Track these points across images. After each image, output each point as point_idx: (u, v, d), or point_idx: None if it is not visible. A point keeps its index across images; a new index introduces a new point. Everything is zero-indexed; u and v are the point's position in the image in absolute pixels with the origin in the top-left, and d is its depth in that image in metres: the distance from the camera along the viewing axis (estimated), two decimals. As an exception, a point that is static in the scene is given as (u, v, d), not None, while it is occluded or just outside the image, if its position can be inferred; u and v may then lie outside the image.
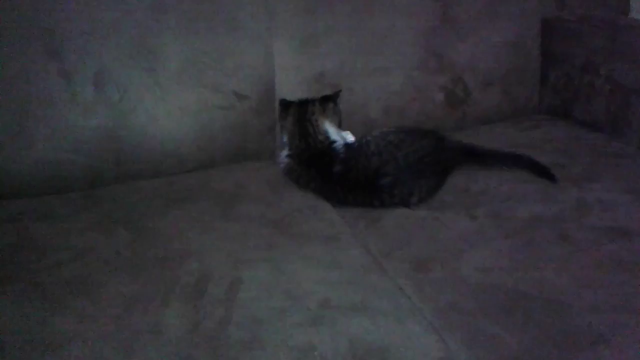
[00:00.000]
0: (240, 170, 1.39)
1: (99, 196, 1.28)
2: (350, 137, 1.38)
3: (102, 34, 1.29)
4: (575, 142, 1.49)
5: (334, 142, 1.32)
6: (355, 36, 1.50)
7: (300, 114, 1.35)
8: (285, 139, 1.37)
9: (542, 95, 1.73)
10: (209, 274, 1.00)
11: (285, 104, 1.38)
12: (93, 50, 1.29)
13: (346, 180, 1.26)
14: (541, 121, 1.67)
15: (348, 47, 1.50)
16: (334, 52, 1.49)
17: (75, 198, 1.27)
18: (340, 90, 1.40)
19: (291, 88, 1.46)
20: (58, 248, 1.07)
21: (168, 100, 1.36)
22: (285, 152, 1.35)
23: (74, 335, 0.87)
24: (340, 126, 1.39)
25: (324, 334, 0.87)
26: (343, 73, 1.50)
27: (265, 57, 1.43)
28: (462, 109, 1.64)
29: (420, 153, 1.27)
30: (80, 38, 1.28)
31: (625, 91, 1.48)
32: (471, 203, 1.22)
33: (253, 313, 0.91)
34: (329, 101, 1.38)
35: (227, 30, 1.38)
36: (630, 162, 1.37)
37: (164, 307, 0.92)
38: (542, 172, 1.29)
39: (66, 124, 1.29)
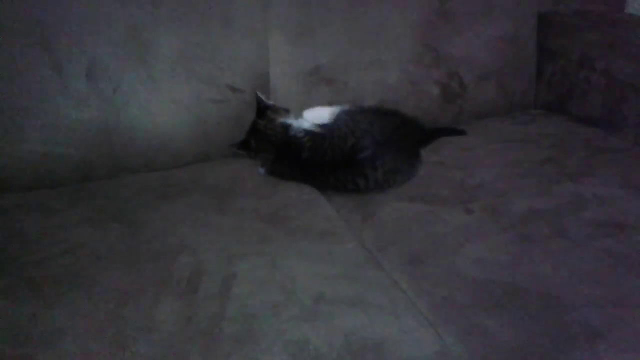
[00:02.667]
0: (235, 164, 1.39)
1: (92, 190, 1.27)
2: (313, 112, 1.37)
3: (94, 26, 1.28)
4: (571, 137, 1.49)
5: (289, 126, 1.32)
6: (351, 29, 1.49)
7: (257, 135, 1.35)
8: (261, 160, 1.35)
9: (538, 90, 1.73)
10: (202, 268, 0.99)
11: (243, 144, 1.37)
12: (86, 43, 1.27)
13: (322, 164, 1.26)
14: (537, 116, 1.66)
15: (343, 41, 1.49)
16: (329, 46, 1.48)
17: (67, 192, 1.26)
18: (256, 93, 1.37)
19: (286, 82, 1.46)
20: (50, 242, 1.06)
21: (162, 93, 1.35)
22: (262, 168, 1.34)
23: (66, 330, 0.86)
24: (289, 112, 1.37)
25: (319, 329, 0.87)
26: (338, 66, 1.50)
27: (260, 51, 1.42)
28: (457, 103, 1.63)
29: (392, 126, 1.30)
30: (72, 30, 1.26)
31: (621, 86, 1.48)
32: (467, 197, 1.22)
33: (247, 308, 0.91)
34: (264, 111, 1.36)
35: (221, 23, 1.37)
36: (626, 157, 1.37)
37: (157, 302, 0.92)
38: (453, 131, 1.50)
39: (58, 117, 1.28)
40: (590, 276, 0.97)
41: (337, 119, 1.32)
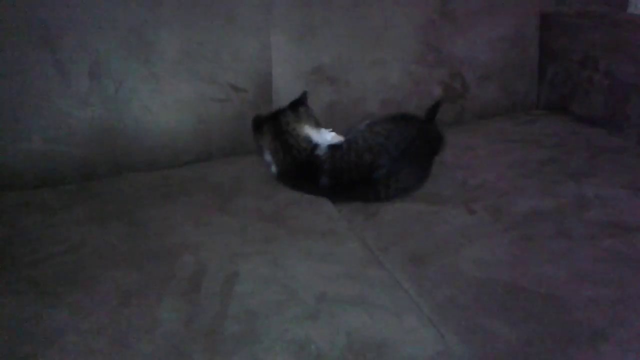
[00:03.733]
0: (237, 163, 1.38)
1: (94, 189, 1.27)
2: (331, 136, 1.33)
3: (97, 25, 1.28)
4: (574, 137, 1.49)
5: (316, 146, 1.27)
6: (353, 29, 1.49)
7: (276, 127, 1.30)
8: (268, 157, 1.31)
9: (541, 90, 1.73)
10: (204, 267, 0.99)
11: (258, 121, 1.33)
12: (88, 42, 1.27)
13: (338, 185, 1.24)
14: (539, 116, 1.66)
15: (345, 40, 1.49)
16: (331, 45, 1.48)
17: (69, 190, 1.26)
18: (305, 92, 1.36)
19: (288, 81, 1.45)
20: (52, 241, 1.06)
21: (164, 92, 1.35)
22: (274, 168, 1.31)
23: (68, 328, 0.86)
24: (319, 125, 1.34)
25: (321, 328, 0.87)
26: (340, 66, 1.49)
27: (262, 50, 1.42)
28: (460, 103, 1.63)
29: (409, 139, 1.25)
30: (75, 29, 1.26)
31: (624, 86, 1.48)
32: (469, 197, 1.21)
33: (249, 307, 0.91)
34: (299, 106, 1.33)
35: (224, 22, 1.37)
36: (628, 157, 1.37)
37: (160, 301, 0.91)
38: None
39: (60, 116, 1.28)
40: (593, 276, 0.97)
41: (355, 132, 1.29)
